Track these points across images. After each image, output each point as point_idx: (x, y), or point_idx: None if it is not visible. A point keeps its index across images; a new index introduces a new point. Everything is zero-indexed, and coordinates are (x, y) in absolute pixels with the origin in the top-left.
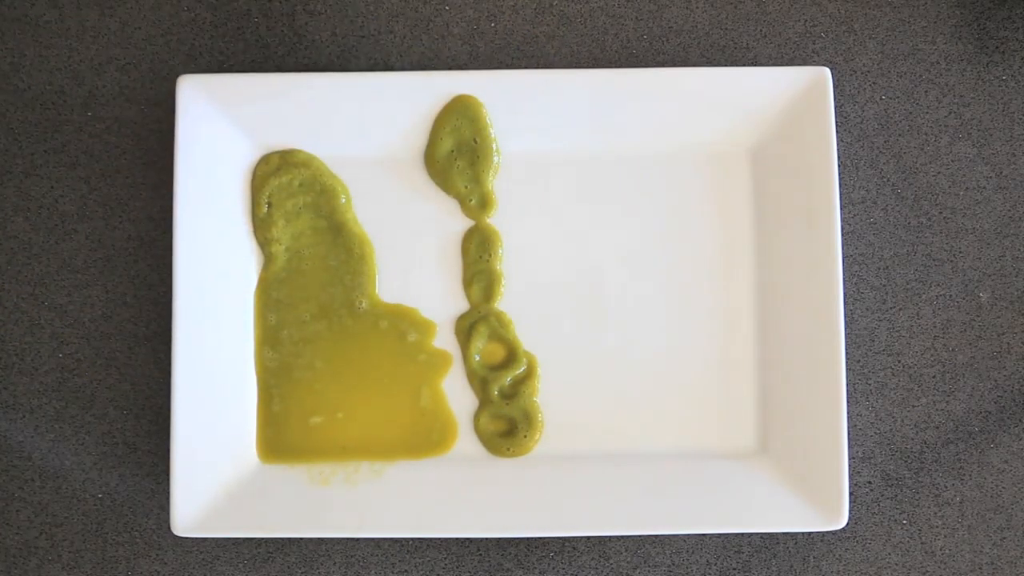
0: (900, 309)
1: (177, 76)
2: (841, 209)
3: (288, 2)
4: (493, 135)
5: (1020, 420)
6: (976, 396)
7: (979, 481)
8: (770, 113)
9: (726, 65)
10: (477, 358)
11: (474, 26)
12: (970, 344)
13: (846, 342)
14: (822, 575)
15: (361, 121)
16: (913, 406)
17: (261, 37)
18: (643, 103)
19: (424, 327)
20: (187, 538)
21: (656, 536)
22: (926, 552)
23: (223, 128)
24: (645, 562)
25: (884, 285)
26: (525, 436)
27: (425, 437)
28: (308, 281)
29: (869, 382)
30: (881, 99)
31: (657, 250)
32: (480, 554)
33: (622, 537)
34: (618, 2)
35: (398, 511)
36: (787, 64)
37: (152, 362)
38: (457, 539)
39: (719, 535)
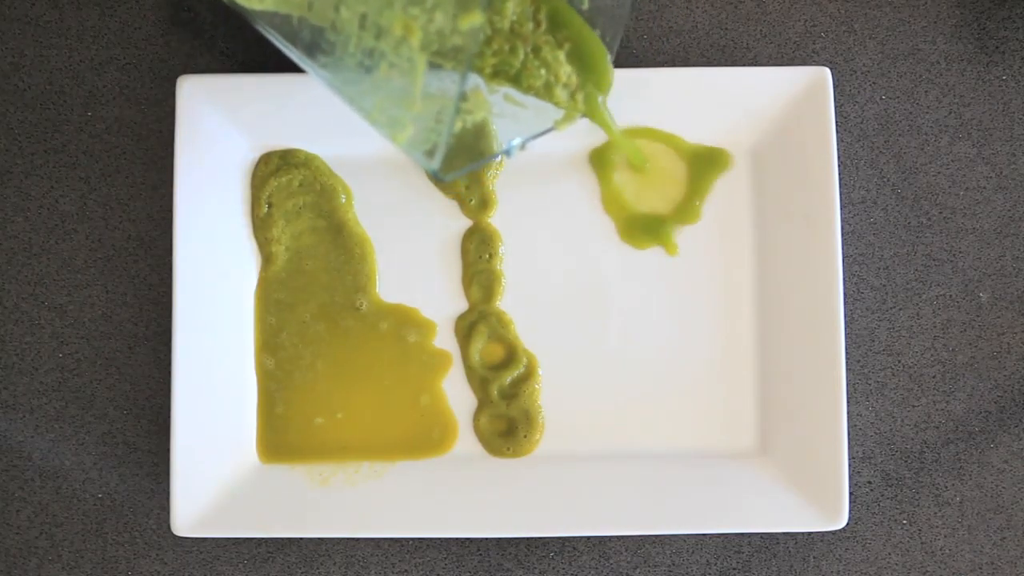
0: (900, 309)
1: (177, 76)
2: (841, 209)
3: None
4: None
5: (1020, 420)
6: (976, 396)
7: (979, 481)
8: (770, 113)
9: (726, 65)
10: (477, 358)
11: None
12: (970, 344)
13: (846, 342)
14: (822, 575)
15: (361, 121)
16: (913, 406)
17: (261, 37)
18: (643, 103)
19: (424, 327)
20: (187, 538)
21: (656, 536)
22: (926, 552)
23: (223, 128)
24: (645, 562)
25: (884, 285)
26: (525, 436)
27: (425, 437)
28: (308, 281)
29: (869, 382)
30: (881, 99)
31: (657, 250)
32: (480, 554)
33: (622, 537)
34: None
35: (398, 511)
36: (787, 64)
37: (152, 362)
38: (457, 539)
39: (719, 535)
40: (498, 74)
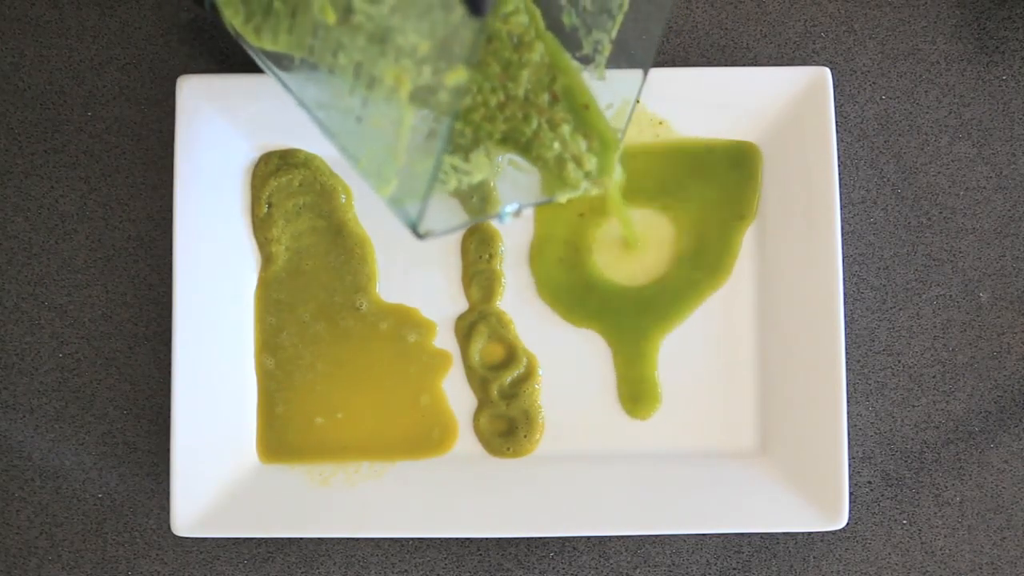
0: (900, 309)
1: (177, 76)
2: (841, 209)
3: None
4: None
5: (1020, 420)
6: (976, 396)
7: (979, 481)
8: (770, 113)
9: (726, 65)
10: (477, 358)
11: None
12: (970, 344)
13: (846, 342)
14: (822, 575)
15: None
16: (913, 406)
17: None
18: (643, 103)
19: (424, 327)
20: (187, 538)
21: (656, 536)
22: (926, 552)
23: (223, 128)
24: (645, 562)
25: (884, 285)
26: (525, 436)
27: (425, 437)
28: (308, 281)
29: (869, 382)
30: (881, 99)
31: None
32: (480, 554)
33: (622, 537)
34: None
35: (398, 511)
36: (787, 64)
37: (152, 362)
38: (457, 539)
39: (719, 535)
40: (507, 140)
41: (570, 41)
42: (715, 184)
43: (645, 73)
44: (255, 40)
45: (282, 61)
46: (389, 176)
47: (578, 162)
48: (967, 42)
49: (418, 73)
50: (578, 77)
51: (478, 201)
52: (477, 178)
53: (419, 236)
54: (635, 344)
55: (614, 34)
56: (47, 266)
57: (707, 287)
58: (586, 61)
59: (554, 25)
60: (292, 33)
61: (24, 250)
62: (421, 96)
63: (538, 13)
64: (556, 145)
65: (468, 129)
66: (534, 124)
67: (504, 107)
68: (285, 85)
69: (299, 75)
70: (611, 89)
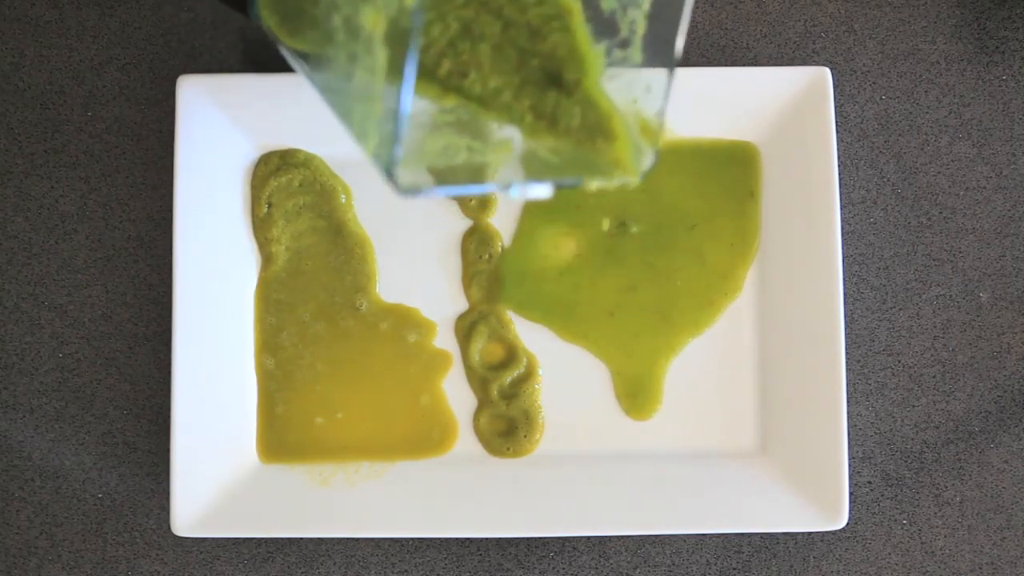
0: (900, 309)
1: (177, 76)
2: (841, 209)
3: None
4: None
5: (1020, 420)
6: (976, 396)
7: (979, 481)
8: (770, 113)
9: (726, 65)
10: (477, 358)
11: None
12: (970, 344)
13: (846, 342)
14: (822, 575)
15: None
16: (913, 406)
17: (261, 37)
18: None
19: (424, 327)
20: (187, 538)
21: (656, 536)
22: (926, 552)
23: (223, 128)
24: (645, 562)
25: (884, 285)
26: (525, 436)
27: (425, 437)
28: (308, 281)
29: (869, 382)
30: (881, 99)
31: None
32: (480, 554)
33: (622, 537)
34: None
35: (398, 511)
36: (787, 64)
37: (152, 362)
38: (457, 539)
39: (719, 535)
40: (538, 120)
41: (608, 27)
42: (715, 184)
43: (671, 63)
44: (288, 40)
45: (308, 59)
46: (372, 132)
47: (607, 136)
48: (967, 42)
49: (387, 5)
50: (598, 77)
51: (477, 203)
52: (490, 158)
53: (396, 186)
54: (637, 376)
55: (647, 7)
56: (47, 266)
57: (722, 302)
58: (625, 45)
59: (594, 15)
60: (305, 6)
61: (24, 250)
62: (392, 33)
63: (578, 6)
64: (577, 110)
65: (503, 116)
66: (553, 96)
67: (525, 85)
68: (309, 77)
69: (319, 69)
70: (643, 79)
